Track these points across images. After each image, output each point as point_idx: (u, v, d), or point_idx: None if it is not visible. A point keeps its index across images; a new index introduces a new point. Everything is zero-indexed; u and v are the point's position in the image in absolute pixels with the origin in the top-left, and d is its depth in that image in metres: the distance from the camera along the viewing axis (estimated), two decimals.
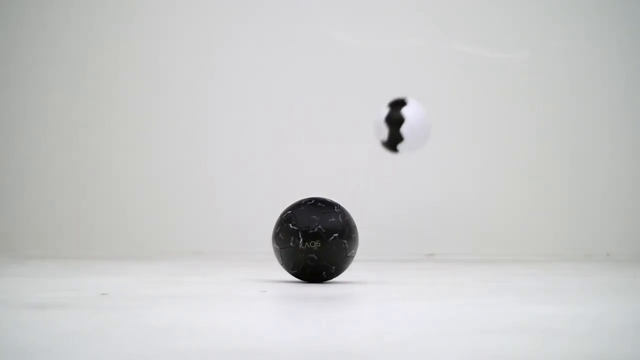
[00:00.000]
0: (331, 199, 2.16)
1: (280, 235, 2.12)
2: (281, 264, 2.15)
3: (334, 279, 2.22)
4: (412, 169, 3.94)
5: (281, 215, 2.14)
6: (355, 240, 2.14)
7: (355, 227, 2.14)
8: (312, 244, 2.08)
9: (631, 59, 3.95)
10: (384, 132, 2.82)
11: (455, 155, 3.94)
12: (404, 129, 2.73)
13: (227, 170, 3.98)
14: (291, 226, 2.10)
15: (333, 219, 2.10)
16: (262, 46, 3.97)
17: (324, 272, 2.11)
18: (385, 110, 2.85)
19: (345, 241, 2.10)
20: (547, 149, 3.93)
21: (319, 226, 2.09)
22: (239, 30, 3.99)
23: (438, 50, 3.95)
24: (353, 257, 2.15)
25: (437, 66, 3.95)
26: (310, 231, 2.08)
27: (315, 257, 2.08)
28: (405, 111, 2.77)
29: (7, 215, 4.01)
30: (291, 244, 2.09)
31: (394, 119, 2.81)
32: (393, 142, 2.77)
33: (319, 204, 2.12)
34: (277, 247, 2.13)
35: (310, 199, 2.14)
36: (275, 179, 3.95)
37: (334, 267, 2.11)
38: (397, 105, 2.86)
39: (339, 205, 2.15)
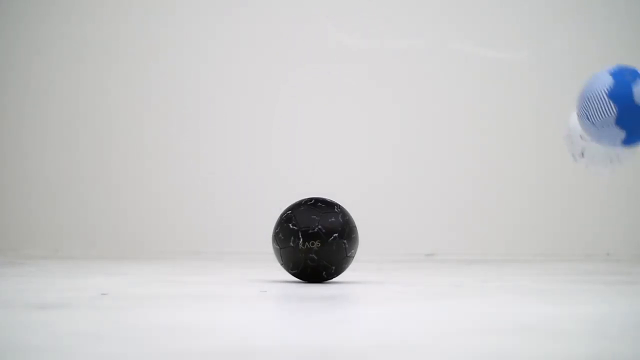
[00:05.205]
0: (331, 198, 2.16)
1: (280, 235, 2.11)
2: (281, 264, 2.15)
3: (334, 279, 2.22)
4: (412, 169, 3.94)
5: (281, 215, 2.14)
6: (355, 240, 2.14)
7: (355, 227, 2.14)
8: (312, 244, 2.08)
9: (632, 59, 3.94)
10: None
11: (455, 155, 3.94)
12: None
13: (227, 170, 3.98)
14: (291, 226, 2.10)
15: (333, 219, 2.10)
16: (262, 46, 3.97)
17: (324, 272, 2.10)
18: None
19: (345, 241, 2.10)
20: (547, 149, 3.93)
21: (319, 226, 2.08)
22: (239, 30, 3.99)
23: (437, 51, 3.95)
24: (353, 257, 2.15)
25: (436, 66, 3.95)
26: (310, 231, 2.08)
27: (315, 257, 2.08)
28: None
29: (7, 215, 4.01)
30: (291, 244, 2.09)
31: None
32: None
33: (319, 204, 2.12)
34: (277, 247, 2.13)
35: (310, 199, 2.14)
36: (275, 179, 3.95)
37: (334, 267, 2.11)
38: None
39: (339, 205, 2.14)
